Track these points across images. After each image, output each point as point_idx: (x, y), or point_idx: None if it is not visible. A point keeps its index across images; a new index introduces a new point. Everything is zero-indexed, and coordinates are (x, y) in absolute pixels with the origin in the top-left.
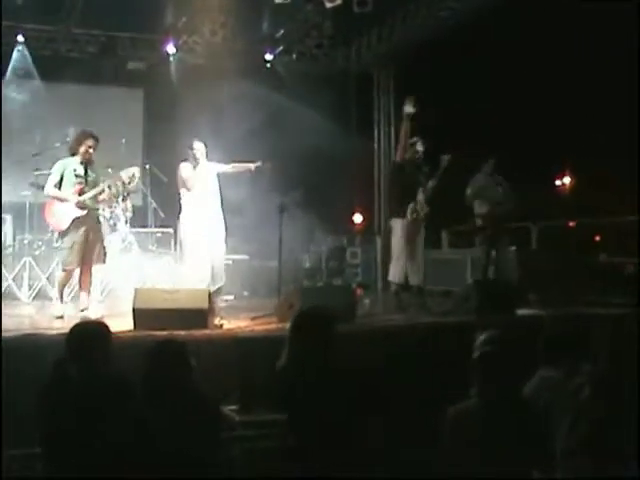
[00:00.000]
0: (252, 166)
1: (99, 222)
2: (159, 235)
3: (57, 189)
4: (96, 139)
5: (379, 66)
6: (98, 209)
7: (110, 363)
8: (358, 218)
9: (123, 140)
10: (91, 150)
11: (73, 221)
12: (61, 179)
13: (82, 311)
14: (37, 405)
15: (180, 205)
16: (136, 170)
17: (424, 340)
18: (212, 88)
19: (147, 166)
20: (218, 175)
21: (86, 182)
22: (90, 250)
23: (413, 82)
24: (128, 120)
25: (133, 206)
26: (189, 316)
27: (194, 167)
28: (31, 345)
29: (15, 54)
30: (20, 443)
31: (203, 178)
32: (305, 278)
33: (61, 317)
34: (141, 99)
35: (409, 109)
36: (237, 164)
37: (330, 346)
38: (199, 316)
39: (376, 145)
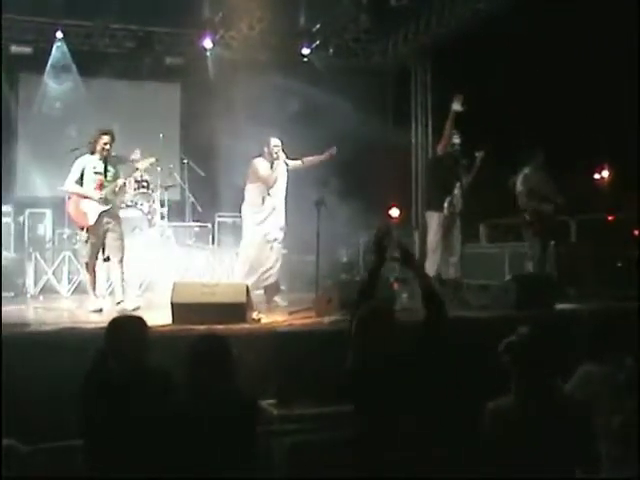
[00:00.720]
0: (326, 155)
1: (119, 217)
2: (197, 230)
3: (78, 186)
4: (111, 136)
5: (416, 59)
6: (120, 204)
7: (147, 356)
8: (395, 212)
9: (161, 135)
10: (107, 147)
11: (99, 217)
12: (81, 177)
13: (118, 304)
14: (77, 398)
15: (243, 196)
16: (153, 160)
17: (463, 334)
18: (249, 83)
19: (185, 161)
20: (288, 172)
21: (106, 178)
22: (111, 244)
23: (451, 75)
24: (166, 115)
25: (169, 200)
26: (227, 310)
27: (271, 164)
28: (69, 338)
29: (54, 50)
30: (59, 436)
31: (279, 176)
32: (342, 272)
33: (98, 311)
34: (178, 94)
35: (457, 107)
36: (307, 158)
37: (397, 337)
38: (237, 310)
39: (413, 139)
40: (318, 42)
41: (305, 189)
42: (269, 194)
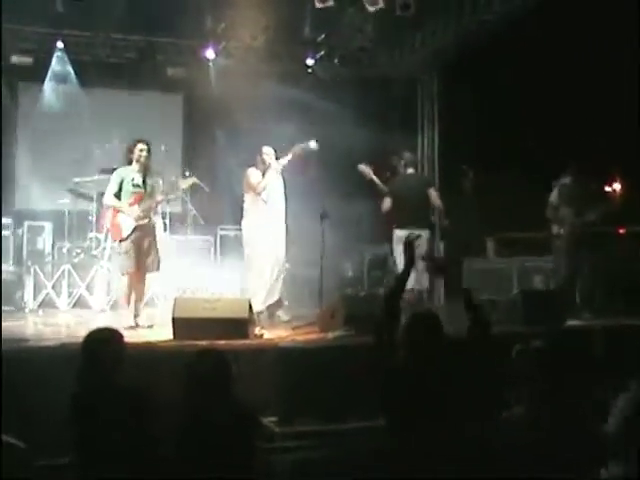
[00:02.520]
0: (302, 146)
1: (154, 229)
2: (199, 243)
3: (116, 199)
4: (146, 143)
5: (423, 69)
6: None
7: (124, 372)
8: None
9: (163, 147)
10: (144, 153)
11: (133, 230)
12: (120, 189)
13: (135, 318)
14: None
15: (242, 210)
16: (195, 180)
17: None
18: (252, 94)
19: (187, 173)
20: (284, 179)
21: (145, 191)
22: (144, 257)
23: (459, 87)
24: (167, 127)
25: (170, 213)
26: (229, 326)
27: (262, 173)
28: (69, 354)
29: (54, 60)
30: (57, 454)
31: (271, 184)
32: (347, 287)
33: (135, 327)
34: (180, 105)
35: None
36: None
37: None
38: (239, 326)
39: (419, 150)
40: (323, 52)
41: (308, 202)
42: (264, 201)
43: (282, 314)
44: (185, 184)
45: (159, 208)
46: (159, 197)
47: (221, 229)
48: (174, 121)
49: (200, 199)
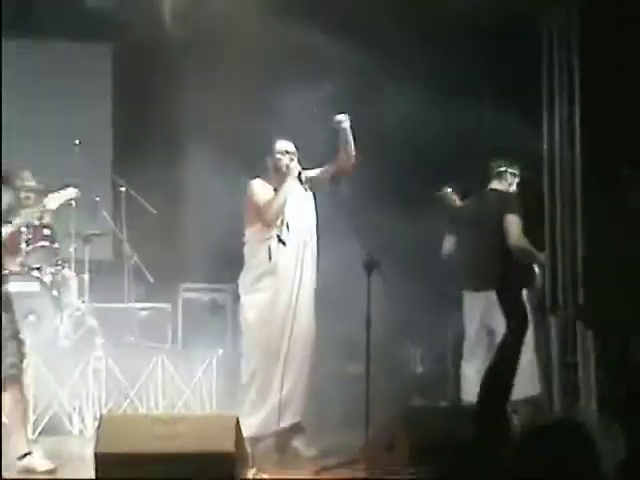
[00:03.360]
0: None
1: (7, 297)
2: (144, 314)
3: None
4: None
5: (551, 11)
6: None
7: None
8: None
9: (77, 141)
10: None
11: None
12: None
13: (21, 459)
14: None
15: (243, 256)
16: (73, 193)
17: None
18: (235, 41)
19: (121, 187)
20: (315, 198)
21: None
22: None
23: (621, 32)
24: (86, 103)
25: (92, 262)
26: (201, 467)
27: (275, 187)
28: None
29: None
30: None
31: (292, 205)
32: (415, 393)
33: (26, 471)
34: (108, 63)
35: None
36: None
37: None
38: (220, 466)
39: (546, 143)
40: None
41: (343, 236)
42: (281, 241)
43: (302, 445)
44: (54, 202)
45: (69, 253)
46: (6, 228)
47: (186, 290)
48: (97, 91)
49: (146, 235)
